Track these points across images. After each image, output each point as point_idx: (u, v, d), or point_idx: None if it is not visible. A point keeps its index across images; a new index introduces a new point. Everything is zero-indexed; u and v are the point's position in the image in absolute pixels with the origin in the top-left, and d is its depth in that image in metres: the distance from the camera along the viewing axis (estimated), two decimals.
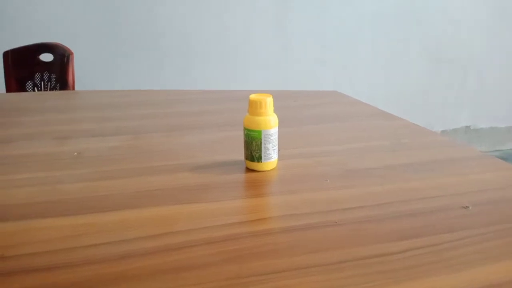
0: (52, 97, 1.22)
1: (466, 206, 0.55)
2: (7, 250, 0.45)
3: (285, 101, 1.08)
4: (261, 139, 0.65)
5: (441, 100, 2.68)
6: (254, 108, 0.65)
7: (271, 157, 0.66)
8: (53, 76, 1.52)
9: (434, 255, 0.44)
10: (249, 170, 0.66)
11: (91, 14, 2.00)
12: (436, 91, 2.65)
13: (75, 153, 0.72)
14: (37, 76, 1.54)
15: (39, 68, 1.53)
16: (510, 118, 2.84)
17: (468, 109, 2.75)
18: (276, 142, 0.66)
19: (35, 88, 1.54)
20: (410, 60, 2.55)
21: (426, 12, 2.50)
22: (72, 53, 1.50)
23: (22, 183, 0.61)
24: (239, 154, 0.68)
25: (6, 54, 1.55)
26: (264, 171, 0.66)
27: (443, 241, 0.47)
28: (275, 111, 0.66)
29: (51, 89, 1.52)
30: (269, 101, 0.65)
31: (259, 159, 0.65)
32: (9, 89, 1.53)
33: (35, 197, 0.57)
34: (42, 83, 1.54)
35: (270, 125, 0.65)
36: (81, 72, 1.62)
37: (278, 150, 0.67)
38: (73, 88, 1.49)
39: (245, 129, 0.66)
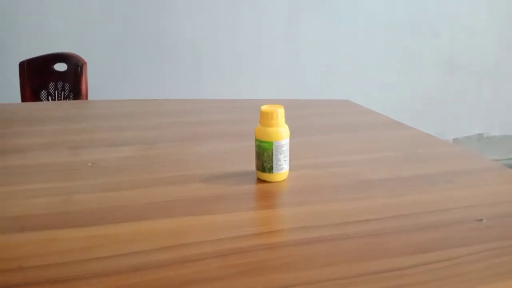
0: (66, 107, 1.24)
1: (480, 219, 0.54)
2: (23, 261, 0.46)
3: (297, 110, 1.08)
4: (272, 150, 0.65)
5: (454, 108, 2.65)
6: (265, 119, 0.65)
7: (283, 168, 0.66)
8: (67, 86, 1.54)
9: (448, 270, 0.44)
10: (260, 181, 0.66)
11: (105, 25, 2.04)
12: (448, 99, 2.63)
13: (89, 164, 0.73)
14: (51, 85, 1.57)
15: (53, 77, 1.56)
16: None
17: (481, 117, 2.72)
18: (287, 153, 0.66)
19: (49, 97, 1.57)
20: (423, 68, 2.54)
21: (439, 20, 2.49)
22: (85, 63, 1.52)
23: (36, 193, 0.62)
24: (251, 164, 0.68)
25: (22, 64, 1.58)
26: (276, 182, 0.66)
27: (457, 256, 0.46)
28: (287, 120, 0.67)
29: (64, 98, 1.54)
30: (280, 112, 0.65)
31: (270, 170, 0.65)
32: (24, 98, 1.56)
33: (50, 207, 0.58)
34: (56, 92, 1.56)
35: (281, 136, 0.65)
36: (95, 82, 1.65)
37: (290, 161, 0.67)
38: (87, 98, 1.51)
39: (256, 140, 0.66)
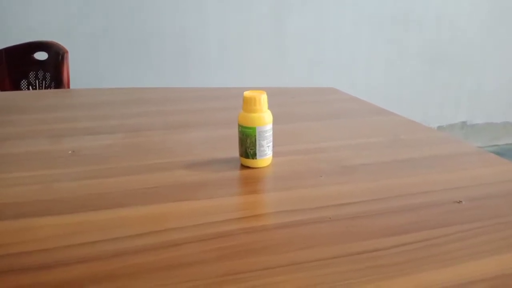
0: (47, 96, 1.21)
1: (459, 201, 0.55)
2: (1, 249, 0.45)
3: (281, 98, 1.08)
4: (255, 135, 0.65)
5: (438, 97, 2.69)
6: (248, 104, 0.65)
7: (266, 154, 0.66)
8: (48, 75, 1.51)
9: (426, 250, 0.45)
10: (244, 167, 0.66)
11: (86, 12, 2.00)
12: (433, 88, 2.66)
13: (70, 152, 0.72)
14: (31, 75, 1.53)
15: (34, 67, 1.53)
16: (506, 113, 2.85)
17: (464, 105, 2.76)
18: (270, 139, 0.66)
19: (30, 87, 1.53)
20: (408, 59, 2.56)
21: (424, 13, 2.51)
22: (66, 52, 1.49)
23: (16, 181, 0.61)
24: (235, 151, 0.68)
25: (0, 53, 1.54)
26: (259, 167, 0.66)
27: (435, 236, 0.47)
28: (271, 107, 0.66)
29: (46, 87, 1.51)
30: (263, 97, 0.65)
31: (253, 155, 0.65)
32: (3, 88, 1.53)
33: (30, 196, 0.57)
34: (37, 81, 1.53)
35: (264, 121, 0.65)
36: (76, 71, 1.62)
37: (273, 147, 0.67)
38: (68, 87, 1.48)
39: (239, 126, 0.66)
